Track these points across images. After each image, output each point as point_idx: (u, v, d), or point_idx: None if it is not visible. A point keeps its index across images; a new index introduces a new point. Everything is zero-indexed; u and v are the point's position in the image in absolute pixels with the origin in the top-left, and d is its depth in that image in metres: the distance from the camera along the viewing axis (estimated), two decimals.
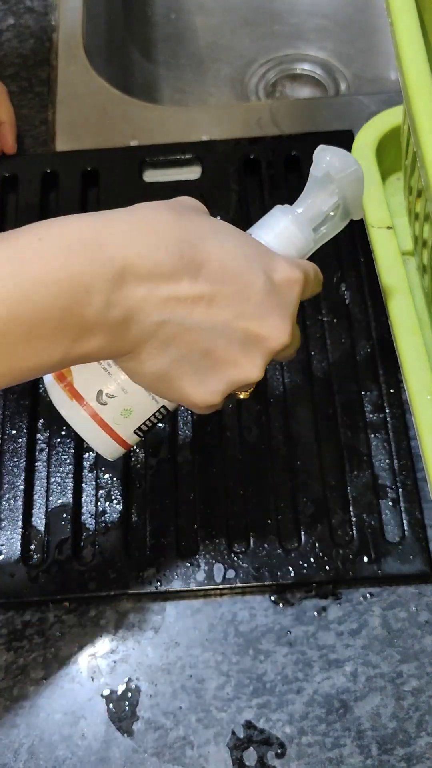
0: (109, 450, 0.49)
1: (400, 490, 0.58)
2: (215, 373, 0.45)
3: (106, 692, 0.54)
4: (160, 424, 0.53)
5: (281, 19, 1.02)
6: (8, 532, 0.58)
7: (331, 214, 0.50)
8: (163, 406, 0.49)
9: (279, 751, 0.52)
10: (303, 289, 0.47)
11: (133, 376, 0.46)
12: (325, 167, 0.49)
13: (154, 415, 0.49)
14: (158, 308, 0.42)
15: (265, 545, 0.57)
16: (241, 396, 0.49)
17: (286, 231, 0.49)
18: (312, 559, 0.57)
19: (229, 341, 0.44)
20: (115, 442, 0.49)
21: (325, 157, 0.49)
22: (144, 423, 0.49)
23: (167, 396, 0.47)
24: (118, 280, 0.41)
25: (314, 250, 0.51)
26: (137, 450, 0.61)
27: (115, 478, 0.60)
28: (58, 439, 0.61)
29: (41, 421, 0.63)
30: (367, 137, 0.69)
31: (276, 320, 0.45)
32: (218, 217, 0.70)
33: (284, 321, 0.45)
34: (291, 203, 0.73)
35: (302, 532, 0.57)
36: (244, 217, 0.71)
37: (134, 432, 0.49)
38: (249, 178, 0.73)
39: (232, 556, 0.57)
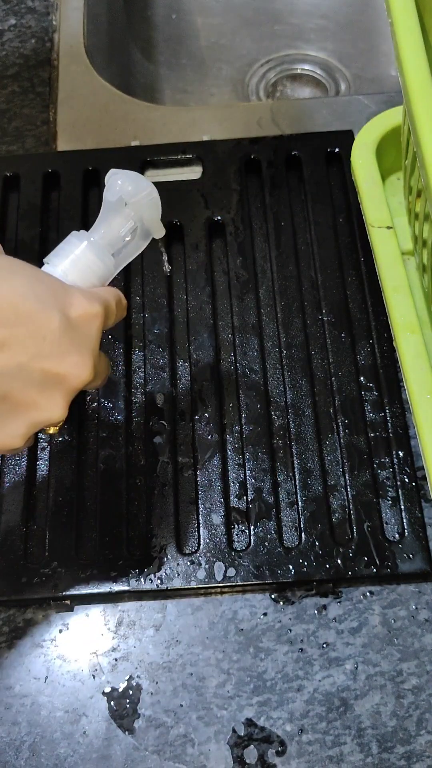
0: None
1: (400, 489, 0.59)
2: (15, 417, 0.44)
3: (108, 690, 0.54)
4: None
5: (282, 19, 1.03)
6: (10, 530, 0.59)
7: (129, 237, 0.50)
8: None
9: (279, 749, 0.52)
10: (103, 321, 0.46)
11: None
12: (118, 191, 0.48)
13: None
14: None
15: (266, 544, 0.57)
16: (51, 431, 0.48)
17: (84, 258, 0.48)
18: (312, 558, 0.57)
19: (27, 384, 0.43)
20: None
21: (117, 182, 0.48)
22: None
23: None
24: None
25: (117, 271, 0.50)
26: (138, 449, 0.61)
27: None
28: (60, 438, 0.62)
29: None
30: (367, 137, 0.69)
31: (75, 357, 0.44)
32: (219, 217, 0.71)
33: (84, 357, 0.45)
34: (291, 203, 0.73)
35: (302, 531, 0.58)
36: (245, 216, 0.71)
37: None
38: (250, 177, 0.74)
39: (233, 554, 0.57)
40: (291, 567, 0.57)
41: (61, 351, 0.44)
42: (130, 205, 0.49)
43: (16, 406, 0.44)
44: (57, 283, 0.45)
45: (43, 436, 0.62)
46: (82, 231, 0.49)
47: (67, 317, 0.44)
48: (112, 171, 0.49)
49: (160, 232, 0.51)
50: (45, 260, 0.48)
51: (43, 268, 0.47)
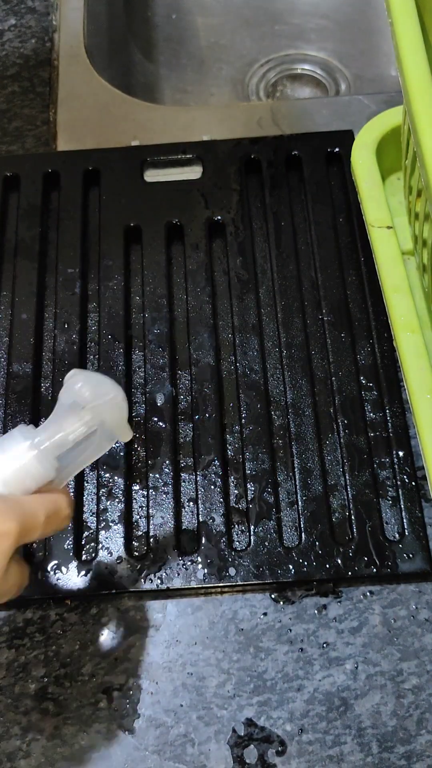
0: None
1: (400, 488, 0.59)
2: None
3: (108, 690, 0.54)
4: None
5: (282, 19, 1.03)
6: None
7: (83, 441, 0.46)
8: None
9: (279, 748, 0.52)
10: (17, 539, 0.42)
11: None
12: (72, 395, 0.45)
13: None
14: None
15: (266, 543, 0.57)
16: None
17: (23, 458, 0.44)
18: (312, 558, 0.57)
19: None
20: None
21: (74, 385, 0.45)
22: None
23: None
24: None
25: (72, 475, 0.47)
26: (138, 449, 0.61)
27: (116, 477, 0.60)
28: None
29: (42, 419, 0.63)
30: (367, 137, 0.69)
31: None
32: (219, 217, 0.71)
33: None
34: (291, 203, 0.72)
35: (302, 531, 0.58)
36: (245, 216, 0.71)
37: None
38: (250, 177, 0.74)
39: (233, 554, 0.57)
40: (291, 567, 0.57)
41: None
42: (88, 409, 0.45)
43: None
44: None
45: None
46: (30, 426, 0.46)
47: None
48: (73, 371, 0.46)
49: (126, 436, 0.47)
50: None
51: None
